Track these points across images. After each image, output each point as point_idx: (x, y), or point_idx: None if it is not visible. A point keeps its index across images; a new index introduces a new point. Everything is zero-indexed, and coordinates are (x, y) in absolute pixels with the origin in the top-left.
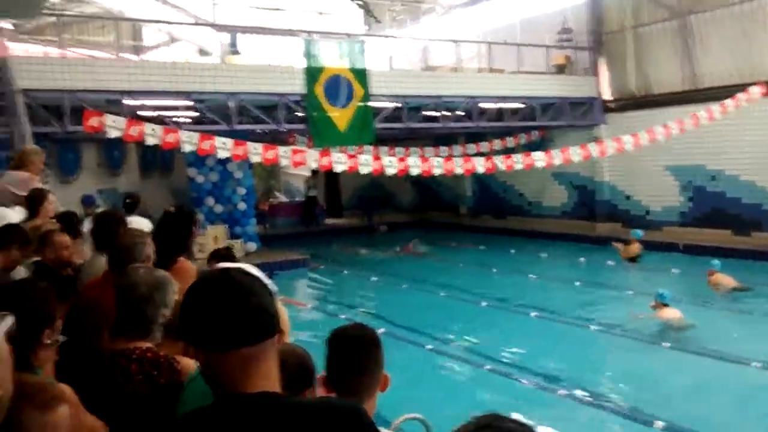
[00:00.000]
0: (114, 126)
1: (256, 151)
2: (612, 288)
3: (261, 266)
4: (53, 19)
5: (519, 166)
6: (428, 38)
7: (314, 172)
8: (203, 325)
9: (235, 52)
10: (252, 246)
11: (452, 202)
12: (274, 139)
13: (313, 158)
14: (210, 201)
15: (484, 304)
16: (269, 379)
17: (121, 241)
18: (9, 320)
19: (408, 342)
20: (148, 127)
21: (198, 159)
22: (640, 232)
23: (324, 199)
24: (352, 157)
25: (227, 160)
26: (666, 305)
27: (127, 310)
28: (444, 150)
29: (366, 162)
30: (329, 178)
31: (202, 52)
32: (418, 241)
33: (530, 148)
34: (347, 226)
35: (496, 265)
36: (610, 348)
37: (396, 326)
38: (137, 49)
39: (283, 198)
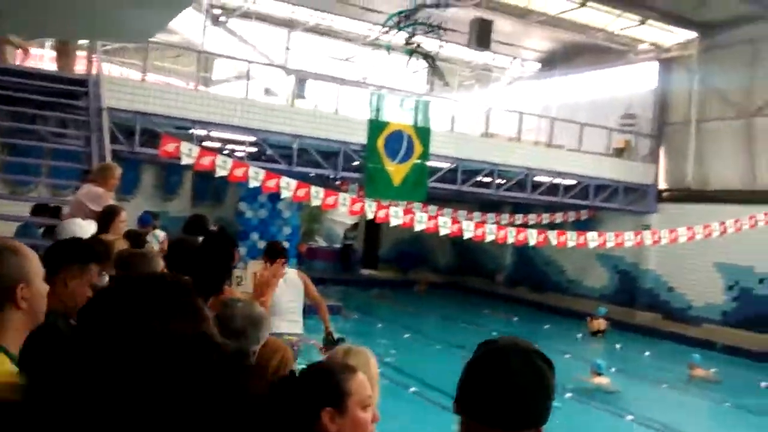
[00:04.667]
0: (188, 154)
1: (317, 195)
2: (650, 380)
3: None
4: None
5: (571, 244)
6: (491, 106)
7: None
8: (482, 397)
9: (301, 97)
10: None
11: (490, 269)
12: (325, 184)
13: (371, 209)
14: (254, 236)
15: None
16: None
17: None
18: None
19: (437, 405)
20: (219, 159)
21: (250, 194)
22: (603, 310)
23: (362, 248)
24: (408, 212)
25: (278, 198)
26: (600, 374)
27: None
28: (491, 217)
29: (421, 219)
30: (370, 228)
31: (268, 92)
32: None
33: (578, 226)
34: (382, 279)
35: (530, 339)
36: None
37: (426, 386)
38: (206, 81)
39: (322, 242)
